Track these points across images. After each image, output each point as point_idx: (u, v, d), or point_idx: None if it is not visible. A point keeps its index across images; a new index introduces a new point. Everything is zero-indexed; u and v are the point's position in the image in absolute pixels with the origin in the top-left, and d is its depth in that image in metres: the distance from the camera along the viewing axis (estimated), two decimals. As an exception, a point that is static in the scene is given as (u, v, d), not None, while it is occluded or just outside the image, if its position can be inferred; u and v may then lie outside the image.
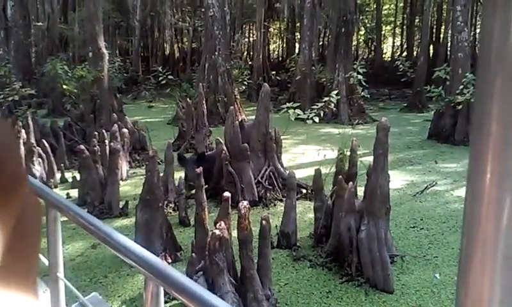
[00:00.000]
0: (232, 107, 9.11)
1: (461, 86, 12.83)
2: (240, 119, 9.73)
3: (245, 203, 5.00)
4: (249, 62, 28.45)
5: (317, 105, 8.97)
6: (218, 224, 4.80)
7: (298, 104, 8.59)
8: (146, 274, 1.72)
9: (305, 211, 7.83)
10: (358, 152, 6.98)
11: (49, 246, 2.71)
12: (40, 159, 9.22)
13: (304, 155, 11.94)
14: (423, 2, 22.09)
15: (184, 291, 1.54)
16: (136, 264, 1.79)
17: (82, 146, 8.18)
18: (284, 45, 35.51)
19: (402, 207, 8.00)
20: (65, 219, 2.54)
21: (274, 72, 24.12)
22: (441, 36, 26.56)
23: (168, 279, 1.63)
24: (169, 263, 5.79)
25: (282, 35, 34.96)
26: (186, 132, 12.34)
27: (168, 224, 6.24)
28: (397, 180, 9.18)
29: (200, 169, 5.80)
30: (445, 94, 13.55)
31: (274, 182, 8.66)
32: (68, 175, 9.71)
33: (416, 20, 31.31)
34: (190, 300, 1.50)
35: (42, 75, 18.47)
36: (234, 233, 5.36)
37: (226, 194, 5.21)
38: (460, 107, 12.90)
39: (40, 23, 23.35)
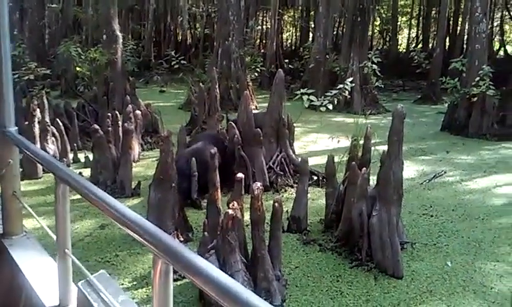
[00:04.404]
0: (245, 91, 9.09)
1: (477, 78, 12.69)
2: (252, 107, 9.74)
3: (258, 184, 5.01)
4: (262, 51, 28.31)
5: (331, 93, 8.90)
6: (231, 204, 4.82)
7: (312, 91, 8.54)
8: (155, 251, 1.66)
9: (316, 197, 7.83)
10: (372, 141, 6.94)
11: (57, 222, 2.70)
12: (53, 138, 9.29)
13: (316, 143, 11.91)
14: (440, -7, 21.75)
15: (195, 272, 1.47)
16: (145, 241, 1.74)
17: (96, 126, 8.24)
18: (298, 34, 35.27)
19: (412, 195, 7.98)
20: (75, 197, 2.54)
21: (287, 60, 23.94)
22: (458, 28, 26.20)
23: (178, 257, 1.56)
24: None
25: (296, 23, 34.71)
26: (198, 116, 12.33)
27: (179, 205, 6.28)
28: (409, 169, 9.14)
29: (214, 150, 5.81)
30: (461, 87, 13.41)
31: (286, 168, 8.66)
32: (81, 155, 9.79)
33: (433, 12, 30.90)
34: (202, 282, 1.42)
35: (55, 57, 18.54)
36: (246, 217, 5.38)
37: (240, 175, 5.22)
38: (475, 99, 12.77)
39: (54, 5, 23.36)
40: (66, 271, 2.71)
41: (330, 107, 8.80)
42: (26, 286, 2.99)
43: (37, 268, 3.16)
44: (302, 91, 8.27)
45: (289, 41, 37.93)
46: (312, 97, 8.26)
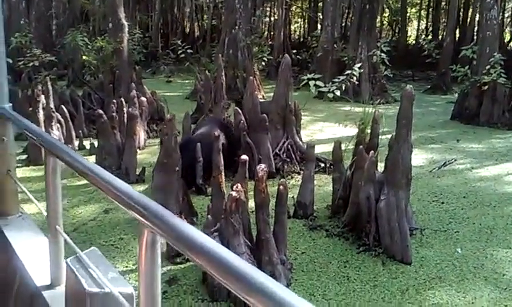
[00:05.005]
0: (251, 77, 8.95)
1: (488, 66, 12.44)
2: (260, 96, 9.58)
3: (263, 166, 4.89)
4: (270, 42, 28.10)
5: (339, 79, 8.74)
6: (235, 187, 4.71)
7: (319, 76, 8.37)
8: (141, 220, 1.54)
9: (323, 184, 7.71)
10: (380, 130, 6.78)
11: (48, 197, 2.59)
12: (58, 125, 9.21)
13: (323, 131, 11.77)
14: (450, -17, 21.44)
15: (183, 240, 1.34)
16: (129, 208, 1.64)
17: (100, 111, 8.15)
18: (306, 26, 34.99)
19: (421, 182, 7.82)
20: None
21: (294, 51, 23.70)
22: (469, 19, 25.82)
23: (166, 225, 1.44)
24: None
25: (304, 14, 34.43)
26: (204, 105, 12.20)
27: (184, 189, 6.17)
28: (418, 157, 8.97)
29: (218, 132, 5.69)
30: (471, 75, 13.16)
31: (292, 155, 8.53)
32: (86, 143, 9.73)
33: (443, 3, 30.50)
34: (191, 251, 1.30)
35: (62, 46, 18.48)
36: (251, 204, 5.27)
37: (244, 157, 5.11)
38: (486, 87, 12.52)
39: (61, -4, 23.30)
40: (57, 249, 2.61)
41: (338, 93, 8.63)
42: (20, 267, 2.90)
43: (31, 249, 3.07)
44: (309, 76, 8.11)
45: (297, 32, 37.68)
46: (319, 82, 8.10)
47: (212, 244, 1.27)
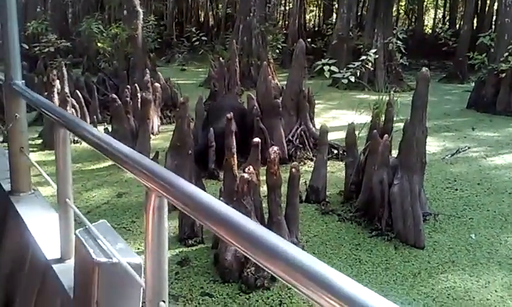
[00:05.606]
0: (264, 62, 8.92)
1: (506, 53, 12.21)
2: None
3: (275, 148, 4.88)
4: (284, 31, 27.91)
5: (354, 65, 8.66)
6: (247, 169, 4.71)
7: (333, 62, 8.31)
8: (147, 183, 1.55)
9: (335, 170, 7.67)
10: (394, 117, 6.71)
11: (58, 170, 2.60)
12: (73, 110, 9.30)
13: (337, 119, 11.68)
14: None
15: (190, 202, 1.34)
16: (136, 173, 1.64)
17: (114, 96, 8.20)
18: (321, 14, 34.67)
19: (434, 169, 7.73)
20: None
21: (309, 40, 23.50)
22: (487, 7, 25.33)
23: (172, 187, 1.44)
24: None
25: (319, 2, 34.10)
26: (218, 92, 12.21)
27: (196, 172, 6.20)
28: (432, 144, 8.86)
29: (230, 114, 5.69)
30: (488, 63, 12.93)
31: (305, 141, 8.49)
32: (100, 128, 9.78)
33: (461, -9, 29.95)
34: (198, 212, 1.31)
35: (78, 34, 18.61)
36: (263, 189, 5.26)
37: (256, 139, 5.10)
38: (503, 75, 12.30)
39: (77, -16, 23.45)
40: (67, 222, 2.63)
41: (352, 79, 8.58)
42: (32, 242, 2.94)
43: (43, 225, 3.10)
44: (323, 61, 8.06)
45: (312, 21, 37.38)
46: (333, 68, 8.04)
47: (217, 203, 1.27)
